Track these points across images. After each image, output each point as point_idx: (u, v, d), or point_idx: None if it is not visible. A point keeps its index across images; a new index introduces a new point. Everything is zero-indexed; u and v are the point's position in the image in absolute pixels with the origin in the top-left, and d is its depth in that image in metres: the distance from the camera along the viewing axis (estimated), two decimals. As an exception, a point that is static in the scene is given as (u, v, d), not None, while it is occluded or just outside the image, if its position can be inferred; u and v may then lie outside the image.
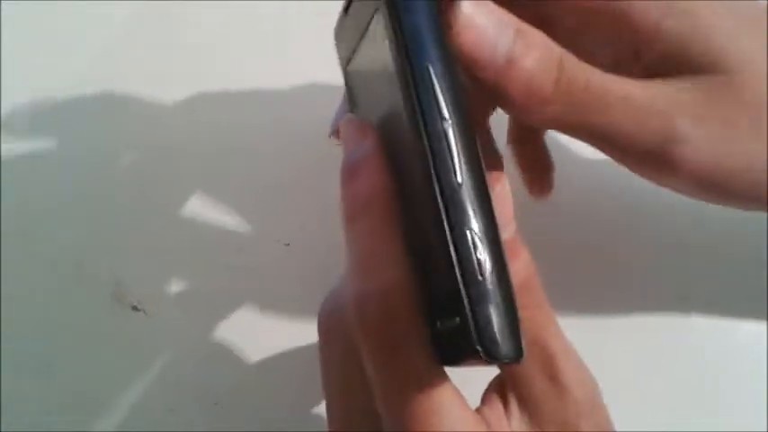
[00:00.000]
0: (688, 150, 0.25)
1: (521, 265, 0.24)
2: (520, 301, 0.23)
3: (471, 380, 0.26)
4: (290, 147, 0.30)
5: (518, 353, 0.21)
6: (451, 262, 0.22)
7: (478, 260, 0.22)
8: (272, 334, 0.35)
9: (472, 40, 0.23)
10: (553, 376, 0.24)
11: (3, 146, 0.38)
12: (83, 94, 0.39)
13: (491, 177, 0.24)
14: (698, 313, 0.34)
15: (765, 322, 0.33)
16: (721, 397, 0.28)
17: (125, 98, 0.39)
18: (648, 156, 0.26)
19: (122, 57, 0.40)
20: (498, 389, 0.25)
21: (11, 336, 0.35)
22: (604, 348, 0.33)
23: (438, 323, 0.23)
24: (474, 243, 0.22)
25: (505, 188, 0.24)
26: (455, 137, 0.22)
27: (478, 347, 0.21)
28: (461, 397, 0.24)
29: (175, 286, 0.36)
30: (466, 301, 0.21)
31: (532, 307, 0.24)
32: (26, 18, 0.40)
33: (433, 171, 0.22)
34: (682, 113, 0.25)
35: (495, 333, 0.21)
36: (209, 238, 0.37)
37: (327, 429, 0.27)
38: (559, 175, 0.33)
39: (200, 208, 0.37)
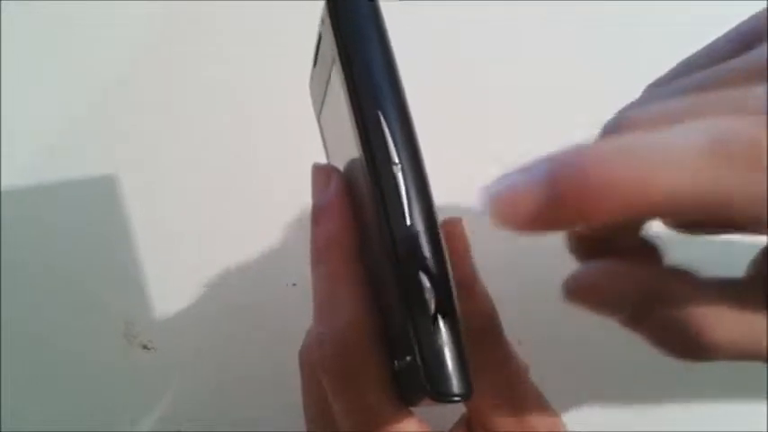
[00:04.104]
0: None
1: (479, 304, 0.25)
2: (479, 339, 0.24)
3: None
4: (299, 188, 0.31)
5: (466, 390, 0.22)
6: (402, 301, 0.22)
7: (426, 299, 0.22)
8: (278, 373, 0.36)
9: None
10: (515, 414, 0.24)
11: (11, 180, 0.40)
12: (97, 123, 0.41)
13: (447, 221, 0.25)
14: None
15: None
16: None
17: (138, 128, 0.41)
18: None
19: (135, 80, 0.42)
20: (467, 423, 0.26)
21: (21, 372, 0.37)
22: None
23: (396, 363, 0.24)
24: (423, 283, 0.22)
25: (464, 234, 0.25)
26: (405, 179, 0.23)
27: (427, 386, 0.22)
28: (424, 429, 0.24)
29: (185, 325, 0.37)
30: (414, 340, 0.22)
31: (492, 345, 0.25)
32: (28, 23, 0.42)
33: (383, 213, 0.23)
34: None
35: (442, 371, 0.22)
36: (218, 278, 0.38)
37: None
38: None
39: (209, 248, 0.38)
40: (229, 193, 0.39)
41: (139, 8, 0.42)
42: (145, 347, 0.36)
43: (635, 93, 0.30)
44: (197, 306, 0.38)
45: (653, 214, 0.20)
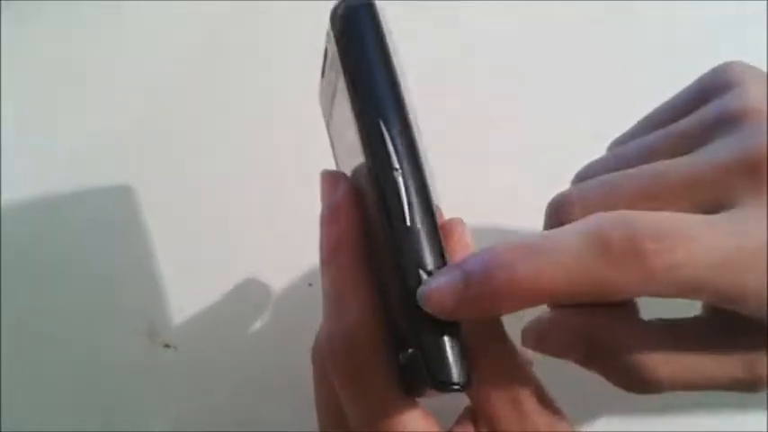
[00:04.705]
0: None
1: None
2: (480, 334, 0.25)
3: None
4: (315, 192, 0.33)
5: (465, 379, 0.23)
6: (404, 297, 0.24)
7: None
8: (299, 370, 0.37)
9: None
10: (517, 405, 0.25)
11: (35, 189, 0.41)
12: (118, 132, 0.42)
13: (450, 223, 0.26)
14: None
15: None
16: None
17: (158, 136, 0.42)
18: None
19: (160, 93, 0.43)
20: (471, 415, 0.27)
21: (43, 372, 0.38)
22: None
23: (401, 356, 0.25)
24: (422, 279, 0.24)
25: (465, 233, 0.26)
26: (405, 183, 0.24)
27: (427, 375, 0.23)
28: (432, 422, 0.25)
29: (205, 324, 0.39)
30: (415, 333, 0.23)
31: (493, 340, 0.26)
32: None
33: (384, 215, 0.24)
34: None
35: (442, 361, 0.23)
36: (237, 278, 0.39)
37: None
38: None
39: (229, 251, 0.40)
40: (247, 198, 0.41)
41: (155, 23, 0.44)
42: (167, 346, 0.38)
43: (637, 96, 0.31)
44: (217, 305, 0.39)
45: (551, 303, 0.26)
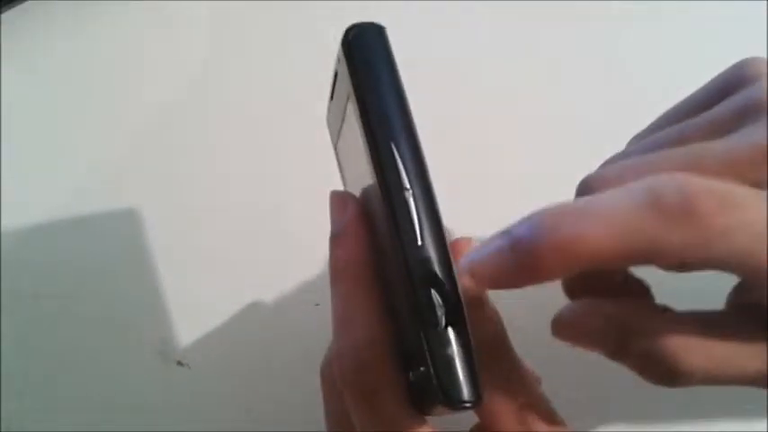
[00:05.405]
0: None
1: (488, 317, 0.26)
2: (489, 351, 0.25)
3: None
4: (321, 214, 0.33)
5: (476, 397, 0.23)
6: (415, 315, 0.24)
7: (438, 313, 0.24)
8: (308, 388, 0.38)
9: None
10: (522, 421, 0.25)
11: (51, 215, 0.42)
12: (131, 156, 0.43)
13: (459, 243, 0.27)
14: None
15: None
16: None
17: (172, 162, 0.44)
18: None
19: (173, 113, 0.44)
20: None
21: (58, 394, 0.39)
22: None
23: (411, 374, 0.25)
24: (434, 298, 0.24)
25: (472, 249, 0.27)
26: (416, 204, 0.25)
27: (439, 393, 0.23)
28: None
29: (217, 342, 0.39)
30: (427, 351, 0.24)
31: (501, 358, 0.26)
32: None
33: (396, 235, 0.25)
34: None
35: (453, 379, 0.23)
36: (247, 298, 0.40)
37: None
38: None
39: (237, 269, 0.41)
40: (256, 219, 0.42)
41: (168, 52, 0.45)
42: (179, 363, 0.39)
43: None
44: (228, 323, 0.40)
45: (599, 266, 0.23)
